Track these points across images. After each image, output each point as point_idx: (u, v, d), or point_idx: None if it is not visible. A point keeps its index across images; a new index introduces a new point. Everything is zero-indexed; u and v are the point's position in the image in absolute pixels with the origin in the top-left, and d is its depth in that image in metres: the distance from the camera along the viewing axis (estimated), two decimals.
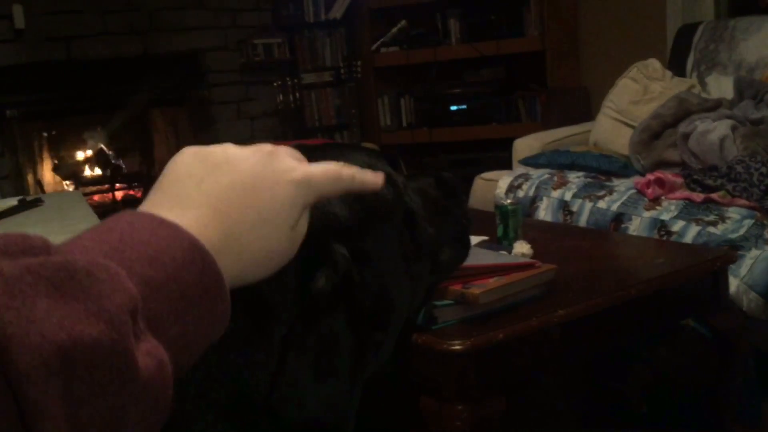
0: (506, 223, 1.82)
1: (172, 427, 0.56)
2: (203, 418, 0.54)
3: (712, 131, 2.43)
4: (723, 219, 2.06)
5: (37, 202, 1.98)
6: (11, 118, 3.58)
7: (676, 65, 3.10)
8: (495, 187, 2.76)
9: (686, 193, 2.24)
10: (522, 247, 1.69)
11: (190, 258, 0.40)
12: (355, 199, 0.61)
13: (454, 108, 4.16)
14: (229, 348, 0.55)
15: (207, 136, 4.16)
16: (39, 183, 3.92)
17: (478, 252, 1.61)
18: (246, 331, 0.56)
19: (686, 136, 2.51)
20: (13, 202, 1.97)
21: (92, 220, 1.70)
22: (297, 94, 4.31)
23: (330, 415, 0.59)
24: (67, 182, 4.13)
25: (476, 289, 1.33)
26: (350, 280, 0.58)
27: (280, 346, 0.56)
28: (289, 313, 0.56)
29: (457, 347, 1.25)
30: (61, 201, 2.11)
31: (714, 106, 2.62)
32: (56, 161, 4.12)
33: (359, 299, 0.59)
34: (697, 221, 2.09)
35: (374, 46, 4.24)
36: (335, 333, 0.57)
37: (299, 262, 0.53)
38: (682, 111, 2.62)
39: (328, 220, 0.58)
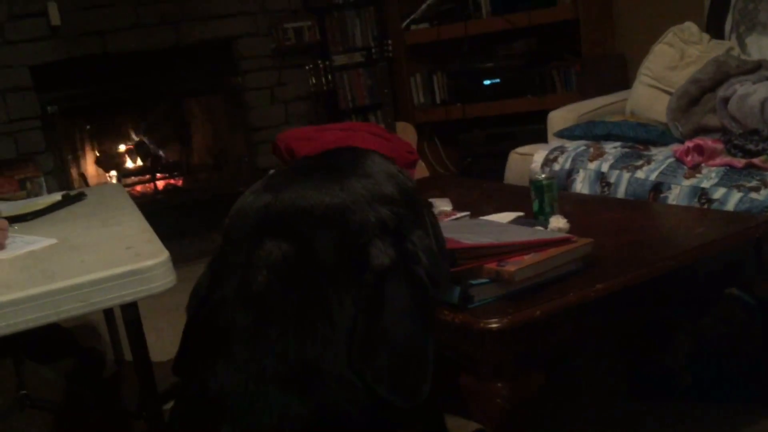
0: (541, 197, 1.81)
1: (254, 407, 0.62)
2: (279, 396, 0.57)
3: (753, 94, 2.37)
4: (766, 184, 2.02)
5: (80, 197, 2.03)
6: (52, 114, 3.66)
7: (714, 28, 3.01)
8: (530, 161, 2.73)
9: (727, 159, 2.19)
10: (558, 222, 1.68)
11: None
12: (401, 190, 0.85)
13: (487, 82, 4.12)
14: (289, 325, 0.72)
15: (242, 123, 4.19)
16: (83, 176, 4.01)
17: (514, 228, 1.61)
18: (304, 307, 0.72)
19: (726, 100, 2.45)
20: (57, 197, 2.03)
21: (133, 211, 1.74)
22: (329, 76, 4.31)
23: (411, 353, 0.74)
24: (110, 174, 4.21)
25: (512, 266, 1.33)
26: (407, 253, 0.78)
27: (352, 312, 0.73)
28: (352, 286, 0.74)
29: (494, 325, 1.26)
30: (103, 193, 2.16)
31: (754, 69, 2.55)
32: (98, 154, 4.21)
33: (414, 267, 0.78)
34: (739, 187, 2.05)
35: (404, 24, 4.22)
36: (399, 294, 0.76)
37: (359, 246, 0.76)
38: (721, 74, 2.56)
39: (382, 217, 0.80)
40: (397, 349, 0.72)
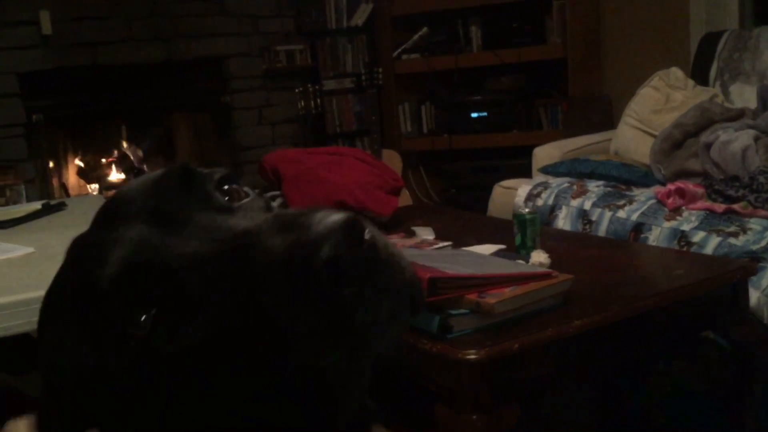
0: (524, 231, 1.82)
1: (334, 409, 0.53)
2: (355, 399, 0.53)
3: (735, 141, 2.41)
4: (744, 230, 2.04)
5: (60, 207, 2.01)
6: (37, 122, 3.63)
7: (699, 74, 3.07)
8: (514, 195, 2.75)
9: (707, 204, 2.22)
10: (539, 257, 1.69)
11: None
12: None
13: (474, 115, 4.16)
14: None
15: (229, 142, 4.19)
16: (64, 187, 3.98)
17: (496, 260, 1.62)
18: None
19: (708, 146, 2.49)
20: (37, 206, 2.01)
21: None
22: (318, 100, 4.33)
23: None
24: (92, 186, 4.18)
25: (492, 298, 1.33)
26: None
27: None
28: None
29: (472, 356, 1.25)
30: (84, 205, 2.14)
31: (737, 116, 2.60)
32: (81, 165, 4.18)
33: None
34: (718, 232, 2.07)
35: (395, 53, 4.26)
36: None
37: None
38: (705, 120, 2.60)
39: None
40: None
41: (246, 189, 0.55)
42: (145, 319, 0.45)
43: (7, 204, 2.50)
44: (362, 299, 0.43)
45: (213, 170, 0.54)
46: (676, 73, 2.97)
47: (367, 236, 0.44)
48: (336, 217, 0.43)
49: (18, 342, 1.25)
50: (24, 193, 3.00)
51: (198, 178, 0.52)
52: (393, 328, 0.46)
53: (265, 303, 0.43)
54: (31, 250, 1.45)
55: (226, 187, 0.53)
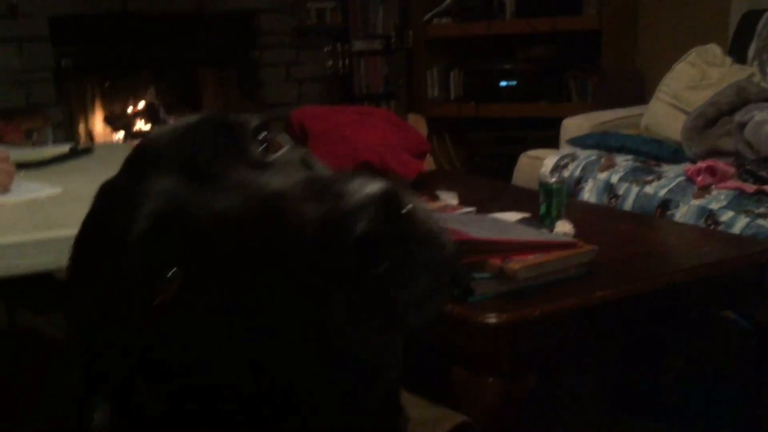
0: (549, 201, 1.80)
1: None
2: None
3: None
4: None
5: (87, 151, 2.01)
6: (66, 68, 3.64)
7: (737, 52, 3.00)
8: (540, 165, 2.72)
9: (738, 183, 2.18)
10: (564, 227, 1.68)
11: None
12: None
13: (503, 84, 4.10)
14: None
15: (254, 99, 4.18)
16: (90, 133, 3.99)
17: (520, 227, 1.60)
18: None
19: (742, 125, 2.44)
20: (64, 149, 2.01)
21: None
22: (346, 61, 4.29)
23: None
24: (117, 134, 4.20)
25: (515, 264, 1.32)
26: None
27: None
28: None
29: (492, 320, 1.25)
30: (110, 152, 2.14)
31: None
32: (107, 113, 4.19)
33: None
34: (747, 212, 2.04)
35: (427, 17, 4.20)
36: None
37: None
38: (740, 99, 2.55)
39: None
40: None
41: (281, 139, 0.53)
42: (171, 275, 0.44)
43: (33, 147, 2.52)
44: (398, 276, 0.41)
45: (249, 117, 0.52)
46: (714, 49, 2.90)
47: (405, 210, 0.42)
48: (373, 187, 0.41)
49: (42, 281, 1.26)
50: (51, 136, 3.01)
51: (234, 129, 0.50)
52: (430, 306, 0.44)
53: (293, 272, 0.41)
54: (58, 190, 1.45)
55: (261, 136, 0.50)
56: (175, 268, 0.44)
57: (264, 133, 0.51)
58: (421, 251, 0.42)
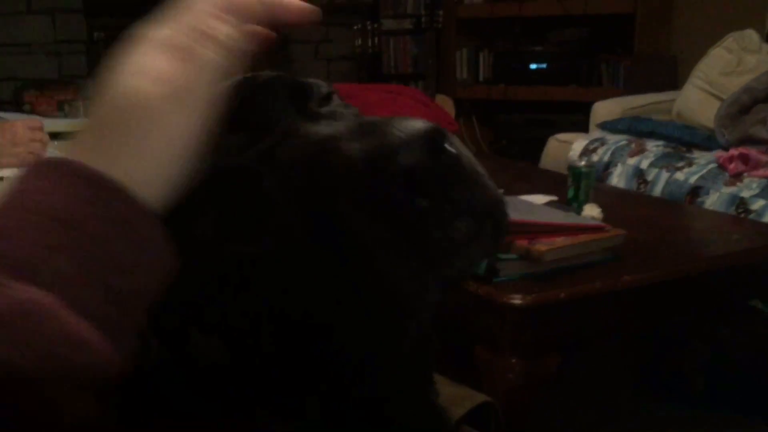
0: (578, 185, 1.78)
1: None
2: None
3: None
4: None
5: None
6: (98, 40, 3.67)
7: None
8: (569, 149, 2.70)
9: None
10: (592, 210, 1.66)
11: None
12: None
13: (533, 66, 4.06)
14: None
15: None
16: None
17: (548, 210, 1.60)
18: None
19: None
20: None
21: None
22: (376, 40, 4.27)
23: None
24: None
25: (543, 246, 1.32)
26: None
27: None
28: None
29: (517, 302, 1.25)
30: None
31: None
32: None
33: None
34: None
35: None
36: None
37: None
38: None
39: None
40: None
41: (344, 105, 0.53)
42: (218, 220, 0.44)
43: (65, 118, 2.55)
44: (438, 214, 0.41)
45: (317, 84, 0.53)
46: (752, 35, 2.85)
47: (450, 148, 0.42)
48: (418, 124, 0.41)
49: None
50: (82, 109, 3.04)
51: (305, 90, 0.50)
52: (471, 251, 0.43)
53: (341, 208, 0.41)
54: None
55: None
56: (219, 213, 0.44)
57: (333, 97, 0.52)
58: (464, 191, 0.42)
